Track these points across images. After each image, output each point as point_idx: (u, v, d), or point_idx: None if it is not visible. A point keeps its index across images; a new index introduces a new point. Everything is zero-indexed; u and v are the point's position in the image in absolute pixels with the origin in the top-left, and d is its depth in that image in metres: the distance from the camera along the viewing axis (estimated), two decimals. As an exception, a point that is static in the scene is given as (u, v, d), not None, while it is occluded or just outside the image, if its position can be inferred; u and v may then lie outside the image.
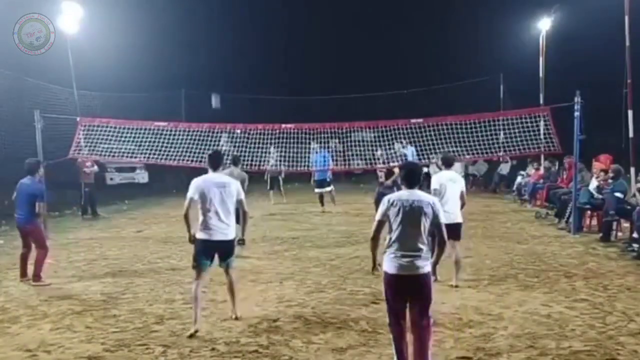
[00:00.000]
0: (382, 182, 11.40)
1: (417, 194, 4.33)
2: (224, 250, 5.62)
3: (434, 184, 6.93)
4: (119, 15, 19.60)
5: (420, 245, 4.22)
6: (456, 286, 6.80)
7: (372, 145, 15.02)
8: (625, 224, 9.92)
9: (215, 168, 5.74)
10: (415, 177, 4.42)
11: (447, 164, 7.28)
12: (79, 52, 14.42)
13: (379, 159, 12.80)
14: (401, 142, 13.88)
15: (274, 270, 7.95)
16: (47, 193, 8.21)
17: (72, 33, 13.82)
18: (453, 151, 12.59)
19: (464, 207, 7.09)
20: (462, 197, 6.99)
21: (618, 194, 9.74)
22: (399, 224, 4.24)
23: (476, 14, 25.42)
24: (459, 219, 6.95)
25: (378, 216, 4.37)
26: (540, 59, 17.73)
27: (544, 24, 17.46)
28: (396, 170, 10.81)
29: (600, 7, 13.88)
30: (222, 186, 5.59)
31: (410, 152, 14.24)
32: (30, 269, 7.49)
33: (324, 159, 13.79)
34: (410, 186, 4.39)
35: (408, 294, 4.24)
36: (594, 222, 10.92)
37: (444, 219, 4.35)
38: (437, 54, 26.10)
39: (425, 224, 4.24)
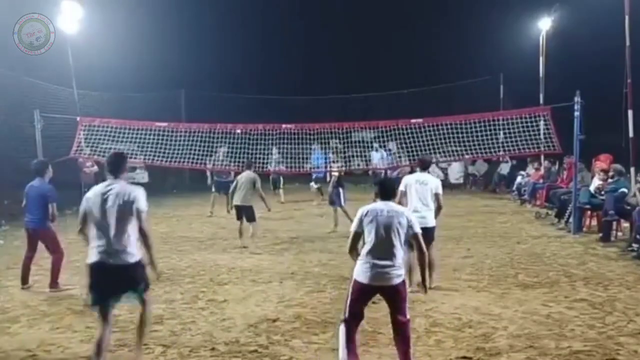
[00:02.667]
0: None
1: (391, 205, 4.44)
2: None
3: (401, 186, 6.74)
4: (119, 15, 19.58)
5: (395, 256, 4.30)
6: (431, 288, 6.68)
7: (371, 145, 15.05)
8: (625, 224, 9.92)
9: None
10: (389, 190, 4.60)
11: (423, 166, 7.10)
12: (79, 52, 14.43)
13: (334, 162, 12.81)
14: (376, 147, 13.99)
15: (274, 270, 7.95)
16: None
17: (72, 33, 13.84)
18: (453, 150, 12.62)
19: (439, 210, 6.82)
20: (437, 200, 6.73)
21: (623, 189, 9.73)
22: (373, 235, 4.31)
23: (476, 14, 25.39)
24: (431, 223, 6.69)
25: (353, 227, 4.44)
26: (540, 59, 17.73)
27: (544, 24, 17.46)
28: (335, 173, 11.42)
29: (600, 7, 13.87)
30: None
31: (378, 156, 14.31)
32: (31, 275, 7.37)
33: (323, 159, 13.84)
34: (384, 198, 4.50)
35: (371, 299, 4.50)
36: (594, 222, 10.91)
37: (419, 229, 4.44)
38: (437, 54, 26.07)
39: (400, 234, 4.33)
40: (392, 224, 4.31)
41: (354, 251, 4.47)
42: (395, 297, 4.34)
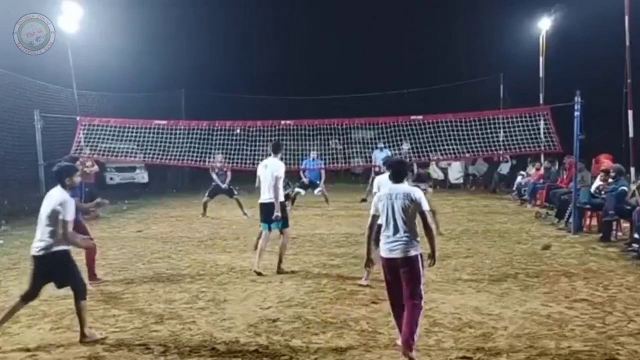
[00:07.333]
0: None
1: (402, 187, 4.91)
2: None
3: (375, 187, 7.07)
4: (119, 15, 19.60)
5: (407, 231, 4.74)
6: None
7: (371, 144, 15.05)
8: (625, 224, 9.90)
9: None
10: (401, 173, 5.04)
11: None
12: (79, 52, 14.43)
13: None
14: (381, 147, 14.07)
15: (274, 270, 7.94)
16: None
17: (72, 33, 13.85)
18: (452, 150, 12.61)
19: None
20: None
21: (623, 188, 9.71)
22: (385, 214, 4.81)
23: (476, 14, 25.43)
24: None
25: (372, 211, 4.99)
26: (540, 59, 17.75)
27: (544, 24, 17.48)
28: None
29: (600, 7, 13.89)
30: None
31: (382, 155, 14.41)
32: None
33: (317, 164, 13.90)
34: (396, 181, 4.98)
35: (399, 273, 4.77)
36: (594, 222, 10.91)
37: (426, 207, 4.84)
38: (437, 54, 26.10)
39: (409, 211, 4.76)
40: (401, 204, 4.77)
41: (370, 231, 4.97)
42: (410, 271, 4.67)
